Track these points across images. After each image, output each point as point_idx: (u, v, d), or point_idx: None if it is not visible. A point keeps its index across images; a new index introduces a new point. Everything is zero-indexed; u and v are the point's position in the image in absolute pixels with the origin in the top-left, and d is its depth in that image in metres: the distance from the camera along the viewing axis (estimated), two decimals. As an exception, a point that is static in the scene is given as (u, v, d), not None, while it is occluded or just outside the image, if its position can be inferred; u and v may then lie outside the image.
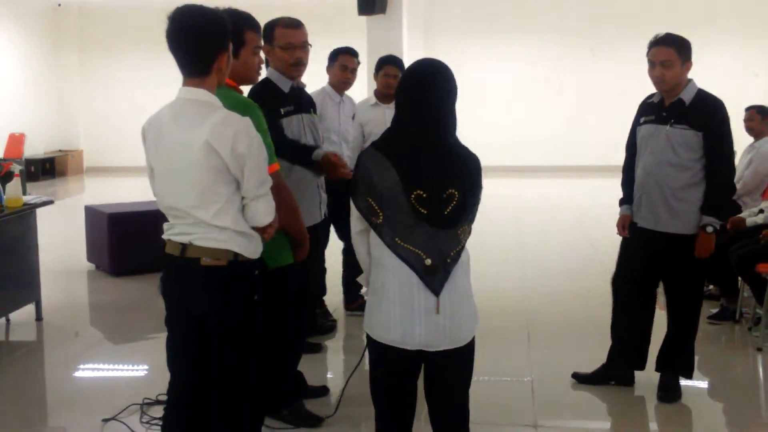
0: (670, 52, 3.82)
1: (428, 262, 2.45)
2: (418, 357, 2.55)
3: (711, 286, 5.73)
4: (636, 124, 4.10)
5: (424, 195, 2.43)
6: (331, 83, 5.33)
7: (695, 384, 4.28)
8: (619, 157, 4.31)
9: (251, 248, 2.71)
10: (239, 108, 2.80)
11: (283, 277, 3.25)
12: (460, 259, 2.50)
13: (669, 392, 4.10)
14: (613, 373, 4.26)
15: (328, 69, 5.34)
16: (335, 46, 5.42)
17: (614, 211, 4.22)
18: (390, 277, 2.50)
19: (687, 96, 3.88)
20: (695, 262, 3.92)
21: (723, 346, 5.11)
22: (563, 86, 15.27)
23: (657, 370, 4.17)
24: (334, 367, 4.94)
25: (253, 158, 2.60)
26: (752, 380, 4.68)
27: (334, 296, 5.67)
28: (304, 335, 4.16)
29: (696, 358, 4.23)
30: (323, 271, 5.37)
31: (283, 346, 3.47)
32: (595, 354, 4.37)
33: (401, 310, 2.49)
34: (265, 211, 2.69)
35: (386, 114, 5.08)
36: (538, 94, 15.37)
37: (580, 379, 4.31)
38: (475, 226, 2.60)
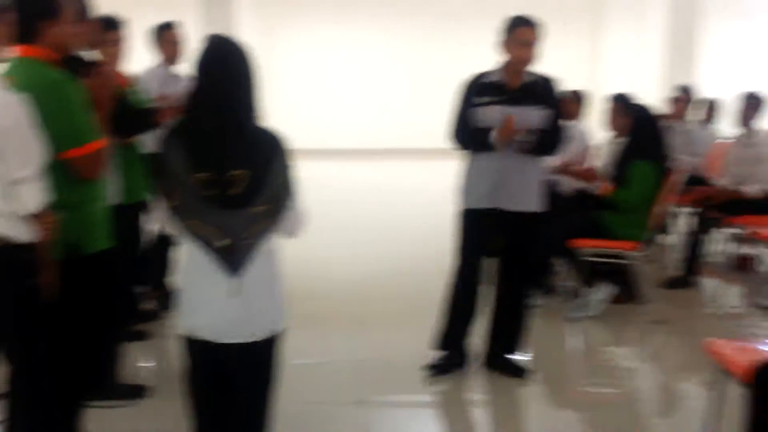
0: (536, 32, 3.87)
1: (222, 242, 2.36)
2: (220, 350, 2.45)
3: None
4: (472, 104, 3.97)
5: (211, 176, 2.33)
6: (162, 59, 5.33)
7: (517, 357, 4.38)
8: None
9: (19, 231, 2.57)
10: (45, 84, 2.65)
11: (99, 262, 3.02)
12: (262, 244, 2.42)
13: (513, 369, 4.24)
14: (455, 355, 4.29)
15: (156, 45, 5.32)
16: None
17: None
18: (189, 259, 2.44)
19: (532, 76, 3.95)
20: (536, 238, 4.11)
21: (540, 319, 5.13)
22: (401, 69, 15.35)
23: (494, 351, 4.28)
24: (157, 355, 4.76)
25: (14, 137, 2.48)
26: (565, 350, 4.87)
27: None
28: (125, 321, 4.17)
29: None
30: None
31: (103, 333, 3.30)
32: (425, 335, 4.47)
33: (196, 295, 2.42)
34: (27, 198, 2.53)
35: None
36: (377, 78, 15.38)
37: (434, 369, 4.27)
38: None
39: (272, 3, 15.01)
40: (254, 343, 2.46)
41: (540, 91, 3.96)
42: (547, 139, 3.99)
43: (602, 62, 14.95)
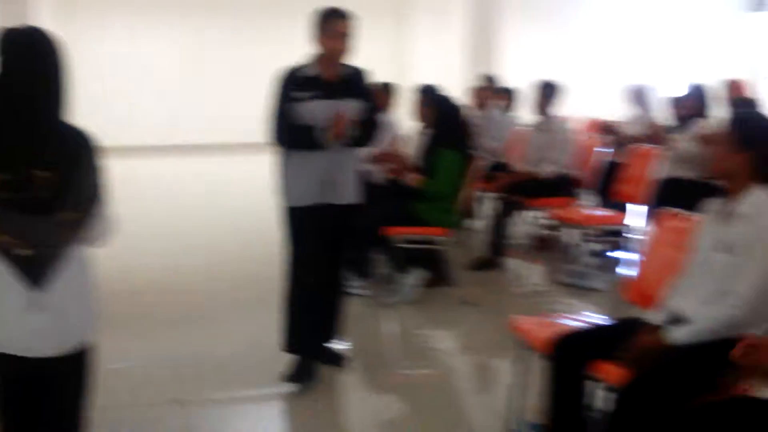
0: (349, 24, 3.88)
1: (23, 251, 2.16)
2: (27, 364, 2.25)
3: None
4: (290, 99, 3.85)
5: (8, 179, 2.13)
6: None
7: (335, 345, 4.38)
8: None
9: None
10: None
11: None
12: (71, 252, 2.24)
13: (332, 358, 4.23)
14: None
15: None
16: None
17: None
18: None
19: (346, 68, 3.96)
20: (354, 229, 4.17)
21: (356, 306, 5.18)
22: (206, 64, 15.22)
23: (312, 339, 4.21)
24: None
25: None
26: (381, 335, 4.98)
27: None
28: None
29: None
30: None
31: None
32: (245, 330, 4.53)
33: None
34: None
35: None
36: (186, 72, 15.15)
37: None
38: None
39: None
40: (64, 356, 2.29)
41: (356, 83, 3.98)
42: (366, 131, 4.03)
43: (409, 56, 15.36)
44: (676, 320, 2.80)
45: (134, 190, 9.62)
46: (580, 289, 5.68)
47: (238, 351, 4.48)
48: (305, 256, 4.04)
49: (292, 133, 3.91)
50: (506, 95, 8.18)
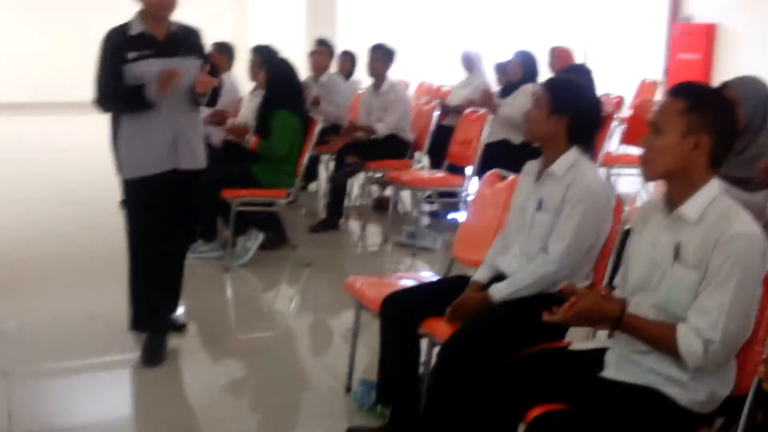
0: None
1: None
2: None
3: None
4: (121, 61, 3.62)
5: None
6: None
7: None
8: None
9: None
10: None
11: None
12: None
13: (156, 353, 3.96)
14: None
15: None
16: None
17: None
18: None
19: (176, 26, 3.75)
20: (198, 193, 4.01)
21: (195, 270, 5.12)
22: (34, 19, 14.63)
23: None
24: None
25: None
26: (220, 299, 5.01)
27: None
28: None
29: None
30: None
31: None
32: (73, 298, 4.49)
33: None
34: None
35: None
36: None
37: None
38: None
39: None
40: None
41: (189, 41, 3.81)
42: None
43: (248, 15, 15.11)
44: (499, 277, 2.98)
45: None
46: (416, 249, 5.86)
47: (67, 321, 4.33)
48: (149, 232, 3.84)
49: (120, 95, 3.71)
50: (347, 59, 8.22)
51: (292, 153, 5.44)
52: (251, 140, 5.45)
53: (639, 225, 2.40)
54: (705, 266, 2.11)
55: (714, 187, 2.19)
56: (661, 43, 11.60)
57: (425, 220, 6.69)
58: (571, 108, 2.88)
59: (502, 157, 5.61)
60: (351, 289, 3.52)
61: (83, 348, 4.08)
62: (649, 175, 2.28)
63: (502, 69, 6.76)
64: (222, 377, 3.87)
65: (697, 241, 2.14)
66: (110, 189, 5.53)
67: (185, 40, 3.80)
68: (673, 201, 2.24)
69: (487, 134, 6.03)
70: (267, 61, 5.78)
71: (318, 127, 5.71)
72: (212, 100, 3.99)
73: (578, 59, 8.37)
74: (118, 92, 3.70)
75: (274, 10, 14.00)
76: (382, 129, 6.63)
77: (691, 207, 2.18)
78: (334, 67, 7.98)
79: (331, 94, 7.35)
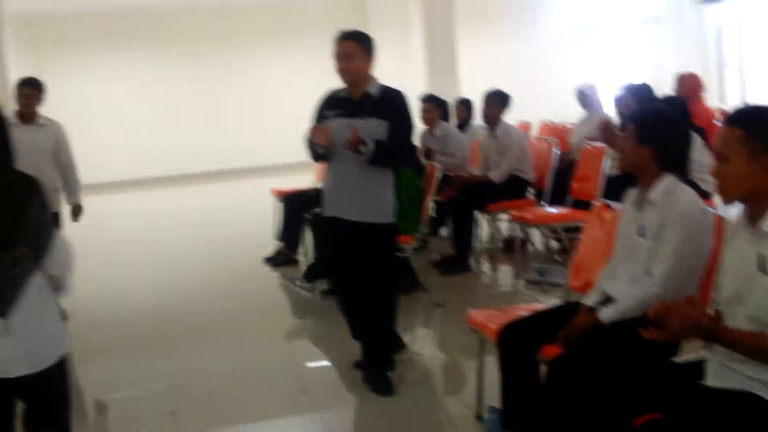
0: (348, 44, 4.03)
1: None
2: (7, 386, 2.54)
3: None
4: (321, 118, 4.15)
5: None
6: None
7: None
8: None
9: None
10: None
11: None
12: (29, 283, 2.51)
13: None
14: None
15: None
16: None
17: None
18: None
19: (374, 87, 4.09)
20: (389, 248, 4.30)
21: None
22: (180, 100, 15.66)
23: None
24: None
25: None
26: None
27: None
28: None
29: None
30: None
31: None
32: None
33: None
34: None
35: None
36: (155, 109, 15.54)
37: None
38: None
39: (42, 40, 14.79)
40: (39, 372, 2.55)
41: (381, 103, 4.07)
42: (387, 151, 4.03)
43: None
44: (607, 301, 3.13)
45: (124, 222, 9.74)
46: (545, 285, 5.93)
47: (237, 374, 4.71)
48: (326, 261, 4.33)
49: (307, 146, 4.18)
50: (464, 107, 8.47)
51: (413, 203, 5.69)
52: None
53: (729, 238, 2.52)
54: None
55: None
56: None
57: (554, 257, 6.79)
58: (656, 137, 3.02)
59: (624, 188, 5.62)
60: (472, 322, 3.73)
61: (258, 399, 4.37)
62: (725, 202, 2.41)
63: (620, 101, 6.79)
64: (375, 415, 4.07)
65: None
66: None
67: (375, 102, 4.08)
68: (753, 218, 2.36)
69: (610, 167, 6.06)
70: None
71: (438, 174, 5.98)
72: (393, 159, 4.18)
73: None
74: (307, 143, 4.17)
75: (397, 62, 14.39)
76: (496, 177, 6.87)
77: (771, 222, 2.28)
78: (453, 116, 8.22)
79: (447, 145, 7.49)
